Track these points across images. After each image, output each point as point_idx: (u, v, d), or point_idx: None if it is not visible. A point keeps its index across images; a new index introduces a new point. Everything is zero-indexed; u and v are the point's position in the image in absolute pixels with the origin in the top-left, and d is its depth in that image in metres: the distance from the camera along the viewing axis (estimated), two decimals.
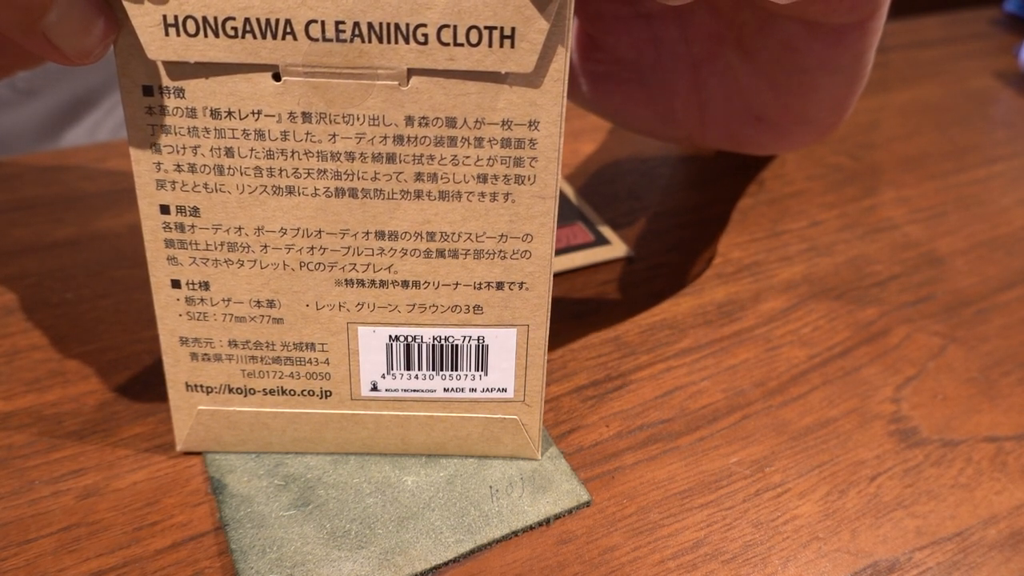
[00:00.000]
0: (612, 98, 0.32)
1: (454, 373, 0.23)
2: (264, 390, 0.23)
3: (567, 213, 0.35)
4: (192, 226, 0.21)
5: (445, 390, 0.23)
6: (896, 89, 0.48)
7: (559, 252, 0.33)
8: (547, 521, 0.22)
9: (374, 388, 0.23)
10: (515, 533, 0.22)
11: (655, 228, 0.35)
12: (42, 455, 0.24)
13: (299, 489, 0.23)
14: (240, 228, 0.21)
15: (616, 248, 0.33)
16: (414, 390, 0.23)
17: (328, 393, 0.23)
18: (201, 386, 0.23)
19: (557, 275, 0.31)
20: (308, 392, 0.23)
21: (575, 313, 0.30)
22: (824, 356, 0.28)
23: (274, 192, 0.20)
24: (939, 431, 0.26)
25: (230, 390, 0.23)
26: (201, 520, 0.22)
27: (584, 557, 0.22)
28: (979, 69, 0.51)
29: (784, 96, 0.29)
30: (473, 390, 0.23)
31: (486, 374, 0.23)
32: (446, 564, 0.21)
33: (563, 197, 0.36)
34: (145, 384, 0.26)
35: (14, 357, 0.27)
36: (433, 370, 0.23)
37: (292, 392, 0.23)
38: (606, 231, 0.34)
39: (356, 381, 0.23)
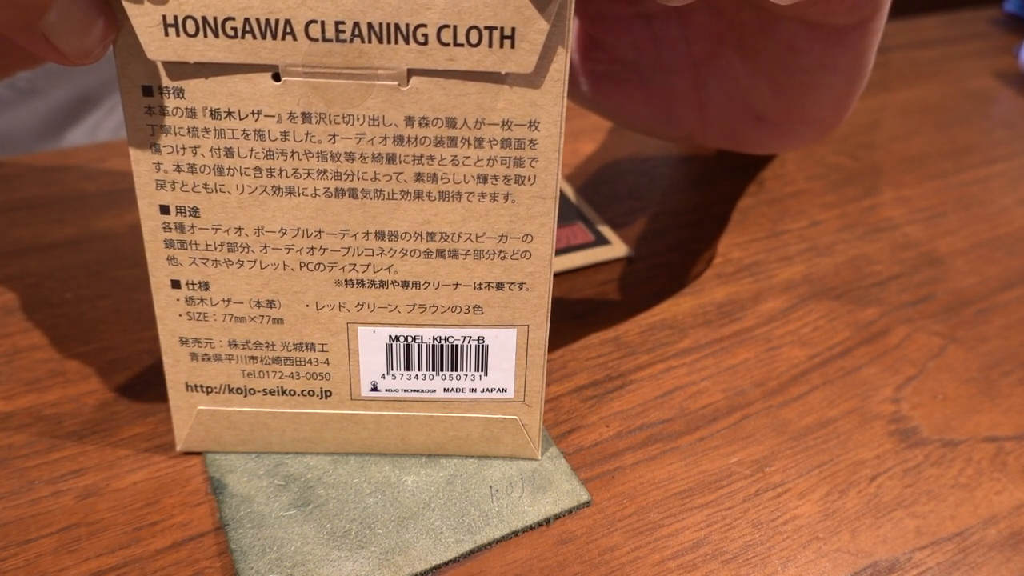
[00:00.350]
0: (612, 97, 0.32)
1: (454, 373, 0.23)
2: (264, 390, 0.23)
3: (567, 213, 0.35)
4: (192, 226, 0.21)
5: (445, 390, 0.23)
6: (896, 89, 0.48)
7: (559, 252, 0.33)
8: (547, 521, 0.22)
9: (374, 388, 0.23)
10: (515, 533, 0.22)
11: (655, 228, 0.35)
12: (42, 455, 0.24)
13: (299, 489, 0.23)
14: (240, 228, 0.21)
15: (616, 248, 0.33)
16: (414, 390, 0.23)
17: (328, 393, 0.23)
18: (201, 386, 0.23)
19: (557, 275, 0.31)
20: (308, 392, 0.23)
21: (575, 313, 0.30)
22: (824, 356, 0.28)
23: (274, 192, 0.20)
24: (939, 431, 0.26)
25: (230, 390, 0.23)
26: (201, 520, 0.22)
27: (584, 557, 0.22)
28: (979, 69, 0.51)
29: (784, 96, 0.29)
30: (473, 390, 0.23)
31: (486, 374, 0.23)
32: (446, 564, 0.21)
33: (563, 197, 0.36)
34: (145, 384, 0.26)
35: (14, 357, 0.27)
36: (433, 370, 0.23)
37: (292, 392, 0.23)
38: (606, 231, 0.34)
39: (356, 381, 0.23)
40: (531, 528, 0.22)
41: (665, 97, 0.31)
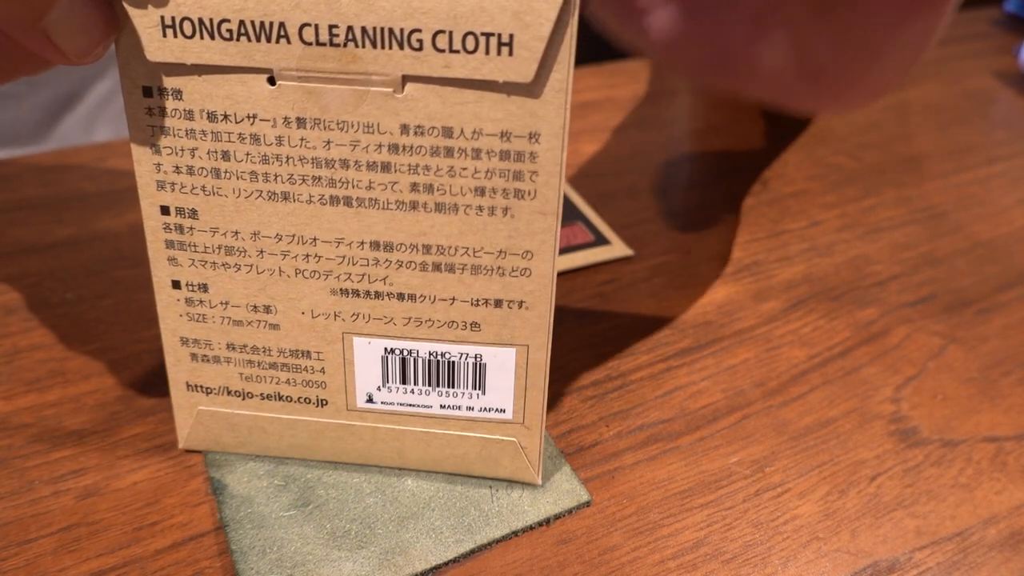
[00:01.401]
0: (663, 34, 0.30)
1: (451, 390, 0.22)
2: (261, 394, 0.23)
3: (567, 213, 0.35)
4: (191, 228, 0.21)
5: (442, 407, 0.23)
6: (896, 89, 0.48)
7: (560, 252, 0.32)
8: (547, 521, 0.22)
9: (369, 400, 0.23)
10: (515, 533, 0.22)
11: (655, 228, 0.35)
12: (42, 455, 0.24)
13: (299, 489, 0.23)
14: (236, 232, 0.21)
15: (616, 248, 0.33)
16: (410, 404, 0.23)
17: (324, 402, 0.23)
18: (201, 386, 0.23)
19: (558, 275, 0.31)
20: (304, 400, 0.23)
21: (575, 313, 0.30)
22: (824, 356, 0.28)
23: (269, 197, 0.20)
24: (939, 431, 0.26)
25: (228, 392, 0.23)
26: (201, 520, 0.22)
27: (584, 557, 0.22)
28: (979, 69, 0.51)
29: (846, 58, 0.27)
30: (470, 408, 0.22)
31: (484, 393, 0.22)
32: (446, 564, 0.21)
33: (563, 197, 0.36)
34: (145, 384, 0.26)
35: (14, 357, 0.27)
36: (429, 385, 0.22)
37: (288, 398, 0.23)
38: (606, 231, 0.34)
39: (352, 392, 0.23)
40: (531, 528, 0.22)
41: (719, 42, 0.29)
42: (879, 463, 0.25)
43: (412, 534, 0.22)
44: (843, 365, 0.28)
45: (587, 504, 0.23)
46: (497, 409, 0.22)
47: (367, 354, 0.22)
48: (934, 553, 0.22)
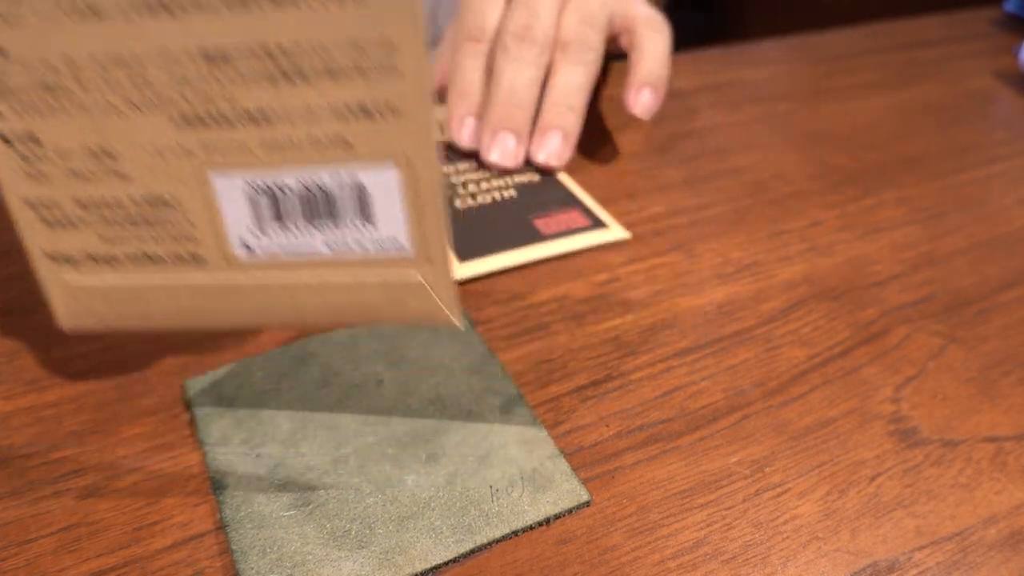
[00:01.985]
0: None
1: (332, 222, 0.20)
2: (126, 255, 0.21)
3: (566, 199, 0.35)
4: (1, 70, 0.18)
5: (327, 246, 0.20)
6: (896, 89, 0.48)
7: (558, 236, 0.33)
8: (547, 521, 0.22)
9: (247, 248, 0.20)
10: (515, 533, 0.22)
11: (655, 228, 0.35)
12: (42, 455, 0.24)
13: (299, 489, 0.23)
14: (47, 60, 0.18)
15: (614, 231, 0.33)
16: (293, 250, 0.20)
17: (199, 258, 0.21)
18: (63, 256, 0.21)
19: (557, 266, 0.31)
20: (176, 257, 0.21)
21: (575, 313, 0.30)
22: (824, 356, 0.28)
23: (73, 13, 0.17)
24: (939, 431, 0.26)
25: (94, 260, 0.21)
26: (201, 520, 0.22)
27: (584, 557, 0.22)
28: (979, 69, 0.51)
29: None
30: (360, 244, 0.20)
31: (373, 225, 0.20)
32: (446, 564, 0.21)
33: (561, 183, 0.36)
34: (145, 384, 0.26)
35: (14, 357, 0.27)
36: (308, 221, 0.20)
37: (159, 258, 0.21)
38: (603, 216, 0.34)
39: (223, 239, 0.20)
40: (531, 528, 0.22)
41: None
42: (879, 463, 0.25)
43: (412, 534, 0.22)
44: (843, 365, 0.28)
45: (587, 504, 0.23)
46: (392, 242, 0.20)
47: (231, 193, 0.20)
48: (934, 553, 0.22)
